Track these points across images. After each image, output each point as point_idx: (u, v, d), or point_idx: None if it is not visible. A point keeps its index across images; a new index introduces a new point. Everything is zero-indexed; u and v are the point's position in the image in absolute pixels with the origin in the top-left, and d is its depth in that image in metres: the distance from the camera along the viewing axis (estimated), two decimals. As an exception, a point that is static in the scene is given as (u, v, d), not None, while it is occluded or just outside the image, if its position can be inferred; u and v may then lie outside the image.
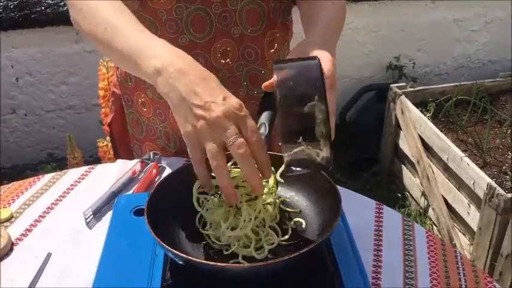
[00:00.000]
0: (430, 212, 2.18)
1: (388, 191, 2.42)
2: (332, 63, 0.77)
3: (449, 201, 2.04)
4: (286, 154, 0.70)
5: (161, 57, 0.73)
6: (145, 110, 1.13)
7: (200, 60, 1.03)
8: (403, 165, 2.39)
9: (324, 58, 0.76)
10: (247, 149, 0.67)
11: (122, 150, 1.29)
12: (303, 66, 0.74)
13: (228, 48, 1.03)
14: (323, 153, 0.70)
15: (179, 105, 0.70)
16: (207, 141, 0.68)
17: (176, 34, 1.01)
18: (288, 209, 0.81)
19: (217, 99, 0.69)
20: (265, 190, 0.76)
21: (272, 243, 0.74)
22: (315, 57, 0.74)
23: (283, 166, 0.73)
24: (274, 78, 0.71)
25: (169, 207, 0.79)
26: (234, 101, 0.70)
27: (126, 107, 1.19)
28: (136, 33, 0.79)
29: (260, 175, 0.70)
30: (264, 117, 0.91)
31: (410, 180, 2.32)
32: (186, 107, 0.69)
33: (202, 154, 0.69)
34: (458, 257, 0.90)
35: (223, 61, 1.04)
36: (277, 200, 0.79)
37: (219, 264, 0.67)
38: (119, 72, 1.15)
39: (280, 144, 0.71)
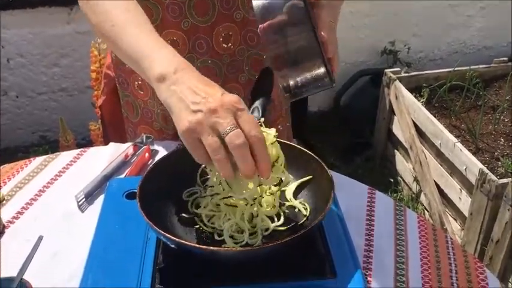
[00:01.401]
0: (422, 197, 2.19)
1: (381, 175, 2.43)
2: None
3: (441, 187, 2.05)
4: (286, 81, 0.75)
5: (165, 64, 0.72)
6: (141, 93, 1.12)
7: (202, 45, 1.02)
8: (396, 151, 2.39)
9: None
10: (244, 140, 0.64)
11: (111, 134, 1.28)
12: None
13: (230, 33, 1.02)
14: (320, 70, 0.75)
15: (177, 106, 0.68)
16: (204, 135, 0.65)
17: (179, 18, 1.00)
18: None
19: (215, 94, 0.67)
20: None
21: (267, 229, 0.74)
22: None
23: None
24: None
25: (162, 191, 0.79)
26: (232, 95, 0.67)
27: (121, 89, 1.17)
28: (144, 36, 0.78)
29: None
30: (258, 102, 0.91)
31: (403, 165, 2.33)
32: (183, 105, 0.67)
33: (205, 151, 0.66)
34: (449, 242, 0.90)
35: (225, 45, 1.03)
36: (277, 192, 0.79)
37: (211, 248, 0.67)
38: (113, 54, 1.14)
39: (275, 72, 0.74)
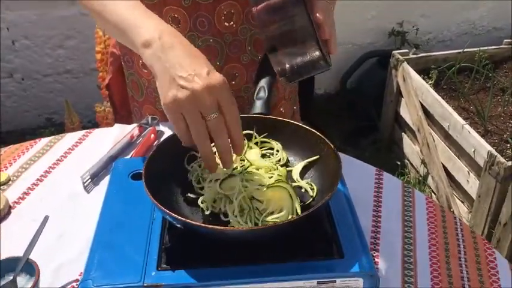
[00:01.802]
0: (429, 180, 2.18)
1: (388, 158, 2.42)
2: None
3: (449, 169, 2.04)
4: (281, 64, 0.75)
5: (151, 30, 0.74)
6: (145, 71, 1.11)
7: (204, 23, 1.00)
8: (403, 133, 2.37)
9: None
10: (223, 126, 0.69)
11: (122, 113, 1.27)
12: None
13: (232, 11, 1.01)
14: (314, 53, 0.74)
15: (162, 76, 0.70)
16: (186, 112, 0.68)
17: None
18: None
19: (201, 72, 0.69)
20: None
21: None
22: None
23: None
24: None
25: (167, 171, 0.78)
26: (217, 75, 0.70)
27: (126, 68, 1.16)
28: (131, 7, 0.80)
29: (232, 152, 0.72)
30: (263, 81, 0.90)
31: (410, 148, 2.32)
32: (169, 77, 0.69)
33: (185, 124, 0.70)
34: (458, 224, 0.89)
35: (227, 24, 1.02)
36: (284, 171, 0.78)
37: (217, 227, 0.66)
38: None
39: (269, 55, 0.75)
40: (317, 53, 0.76)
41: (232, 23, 1.02)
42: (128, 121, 1.25)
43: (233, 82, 1.07)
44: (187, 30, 1.00)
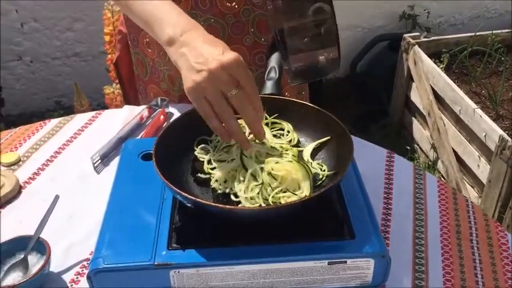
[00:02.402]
0: (439, 165, 2.16)
1: (397, 143, 2.40)
2: None
3: (459, 154, 2.02)
4: (294, 65, 0.75)
5: (174, 26, 0.76)
6: (150, 50, 1.10)
7: (205, 2, 0.99)
8: (413, 118, 2.35)
9: None
10: (246, 100, 0.71)
11: (131, 93, 1.27)
12: None
13: None
14: (331, 54, 0.75)
15: (185, 69, 0.72)
16: (208, 93, 0.70)
17: None
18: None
19: (215, 53, 0.70)
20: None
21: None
22: None
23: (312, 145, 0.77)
24: None
25: (177, 151, 0.78)
26: (231, 53, 0.71)
27: (132, 46, 1.15)
28: (155, 1, 0.81)
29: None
30: (274, 61, 0.88)
31: (420, 133, 2.30)
32: (189, 65, 0.71)
33: (210, 107, 0.71)
34: (470, 207, 0.88)
35: (229, 4, 1.00)
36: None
37: (228, 206, 0.66)
38: None
39: (289, 55, 0.75)
40: (333, 56, 0.77)
41: (234, 3, 1.00)
42: (136, 101, 1.25)
43: None
44: (189, 8, 0.99)
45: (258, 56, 1.06)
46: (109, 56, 1.55)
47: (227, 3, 1.00)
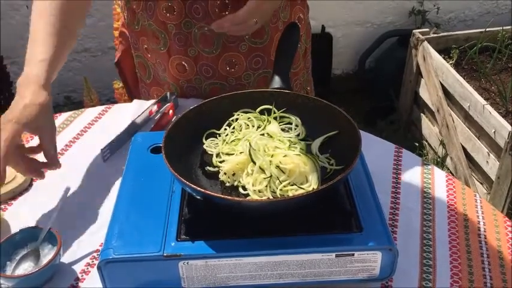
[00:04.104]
0: (448, 161, 2.16)
1: (405, 139, 2.39)
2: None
3: (468, 150, 2.01)
4: None
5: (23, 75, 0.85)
6: (149, 55, 1.11)
7: (198, 10, 0.98)
8: (422, 114, 2.35)
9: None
10: None
11: (134, 92, 1.28)
12: None
13: (227, 1, 0.98)
14: None
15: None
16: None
17: None
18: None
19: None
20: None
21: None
22: None
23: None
24: None
25: (186, 145, 0.79)
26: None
27: (134, 49, 1.16)
28: (32, 47, 0.88)
29: None
30: (283, 56, 0.89)
31: (429, 129, 2.29)
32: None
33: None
34: (478, 201, 0.88)
35: (223, 14, 0.98)
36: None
37: (236, 198, 0.66)
38: (126, 13, 1.11)
39: None
40: None
41: (227, 12, 0.99)
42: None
43: (232, 70, 1.06)
44: (183, 16, 0.99)
45: (255, 60, 1.06)
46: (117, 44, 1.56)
47: (221, 13, 0.99)
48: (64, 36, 0.89)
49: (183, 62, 1.06)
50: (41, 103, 0.80)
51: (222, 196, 0.67)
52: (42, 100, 0.81)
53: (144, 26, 1.06)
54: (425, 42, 2.22)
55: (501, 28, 2.26)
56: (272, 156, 0.73)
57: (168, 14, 0.99)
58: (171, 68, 1.08)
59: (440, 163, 2.20)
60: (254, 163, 0.72)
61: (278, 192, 0.70)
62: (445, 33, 2.31)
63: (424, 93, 2.29)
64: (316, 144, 0.80)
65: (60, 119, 1.09)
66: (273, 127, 0.80)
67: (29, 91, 0.81)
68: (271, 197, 0.69)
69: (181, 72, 1.07)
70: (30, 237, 0.76)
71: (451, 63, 2.16)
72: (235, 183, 0.74)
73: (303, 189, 0.70)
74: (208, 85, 1.08)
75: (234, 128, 0.81)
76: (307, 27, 1.16)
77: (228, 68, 1.06)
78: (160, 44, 1.05)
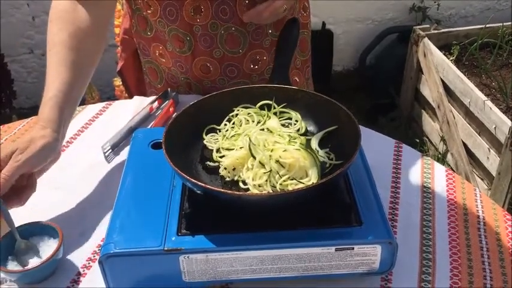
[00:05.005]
0: (449, 158, 2.16)
1: (406, 136, 2.40)
2: None
3: (468, 146, 2.02)
4: None
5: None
6: (163, 60, 1.11)
7: (226, 11, 0.99)
8: (423, 110, 2.35)
9: None
10: None
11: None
12: None
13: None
14: None
15: None
16: None
17: None
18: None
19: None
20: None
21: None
22: None
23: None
24: None
25: (186, 140, 0.79)
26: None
27: (142, 55, 1.16)
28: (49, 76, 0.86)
29: None
30: (283, 51, 0.89)
31: (430, 126, 2.29)
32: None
33: None
34: (478, 196, 0.89)
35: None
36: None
37: (236, 192, 0.67)
38: (135, 20, 1.11)
39: None
40: None
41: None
42: None
43: (256, 67, 1.07)
44: (210, 17, 0.99)
45: (254, 57, 1.08)
46: (119, 48, 1.56)
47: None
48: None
49: (208, 64, 1.06)
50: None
51: (222, 190, 0.67)
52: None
53: (160, 31, 1.06)
54: (426, 39, 2.22)
55: (501, 24, 2.26)
56: (272, 150, 0.73)
57: (195, 15, 0.99)
58: (194, 70, 1.08)
59: (441, 159, 2.20)
60: (254, 158, 0.73)
61: (278, 186, 0.70)
62: (446, 30, 2.32)
63: (424, 89, 2.29)
64: (316, 139, 0.80)
65: (61, 115, 1.09)
66: (273, 122, 0.80)
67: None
68: (271, 191, 0.70)
69: (204, 73, 1.08)
70: (32, 232, 0.77)
71: (451, 60, 2.16)
72: (236, 178, 0.74)
73: (303, 183, 0.70)
74: (232, 85, 1.09)
75: (234, 123, 0.82)
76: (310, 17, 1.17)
77: (252, 66, 1.07)
78: (184, 47, 1.05)
